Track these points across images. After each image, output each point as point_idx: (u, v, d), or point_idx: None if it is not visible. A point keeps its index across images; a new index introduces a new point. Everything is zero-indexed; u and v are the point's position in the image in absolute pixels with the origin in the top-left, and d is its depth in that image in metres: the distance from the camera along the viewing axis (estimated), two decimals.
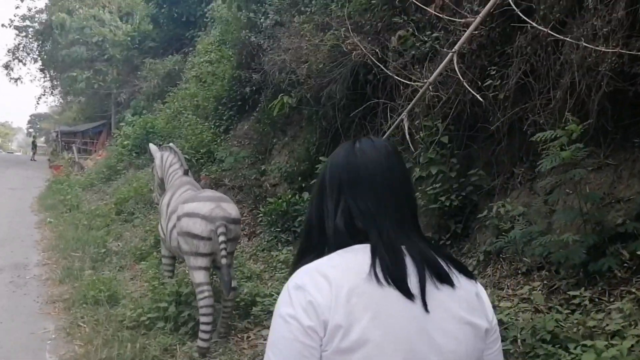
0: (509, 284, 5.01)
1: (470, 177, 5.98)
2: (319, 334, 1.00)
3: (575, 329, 3.78)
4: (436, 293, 1.06)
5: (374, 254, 1.06)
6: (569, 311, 4.04)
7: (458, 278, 1.09)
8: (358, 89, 7.54)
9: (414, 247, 1.09)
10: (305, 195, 8.24)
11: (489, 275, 5.27)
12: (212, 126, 12.44)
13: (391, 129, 5.08)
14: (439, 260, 1.09)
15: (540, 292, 4.45)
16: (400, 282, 1.04)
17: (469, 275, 1.12)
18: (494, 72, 5.22)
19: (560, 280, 4.58)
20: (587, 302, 3.96)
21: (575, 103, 4.65)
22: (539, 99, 5.08)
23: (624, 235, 4.32)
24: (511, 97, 5.31)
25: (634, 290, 4.03)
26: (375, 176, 1.13)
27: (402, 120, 5.01)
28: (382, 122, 6.82)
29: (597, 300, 4.04)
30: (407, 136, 4.98)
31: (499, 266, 5.31)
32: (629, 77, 4.17)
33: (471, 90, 4.59)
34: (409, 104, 6.10)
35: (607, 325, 3.74)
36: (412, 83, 5.33)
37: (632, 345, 3.22)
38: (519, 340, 3.96)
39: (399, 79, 5.42)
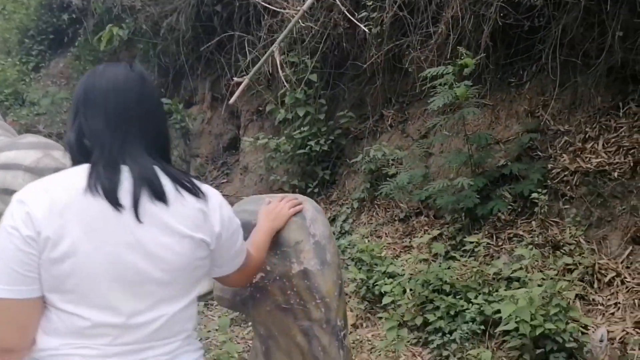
0: (387, 232, 4.72)
1: (338, 119, 5.53)
2: (37, 242, 1.08)
3: (473, 277, 3.57)
4: (152, 208, 1.14)
5: (92, 170, 1.14)
6: (464, 258, 3.84)
7: (184, 197, 1.18)
8: (205, 20, 6.58)
9: (135, 166, 1.16)
10: None
11: (364, 223, 4.95)
12: (18, 62, 10.37)
13: (261, 62, 4.35)
14: (161, 180, 1.17)
15: (422, 238, 4.21)
16: (111, 194, 1.11)
17: (197, 194, 1.21)
18: (370, 3, 4.73)
19: (442, 226, 4.39)
20: (479, 248, 3.78)
21: (459, 39, 4.37)
22: (417, 34, 4.73)
23: (506, 177, 4.23)
24: (386, 31, 4.89)
25: (520, 232, 3.96)
26: (107, 97, 1.18)
27: (272, 53, 4.33)
28: (238, 58, 6.01)
29: (485, 245, 3.88)
30: (280, 71, 4.31)
31: (374, 213, 5.00)
32: (525, 10, 3.97)
33: (352, 18, 4.06)
34: (272, 36, 5.40)
35: (502, 271, 3.59)
36: (283, 11, 4.62)
37: (540, 293, 3.06)
38: (407, 292, 3.66)
39: (266, 4, 4.67)
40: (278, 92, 5.62)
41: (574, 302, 3.25)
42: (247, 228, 1.65)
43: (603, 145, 3.86)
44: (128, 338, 1.16)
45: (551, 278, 3.21)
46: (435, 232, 4.04)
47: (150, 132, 1.22)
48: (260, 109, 6.29)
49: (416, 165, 4.62)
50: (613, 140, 3.84)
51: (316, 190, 5.55)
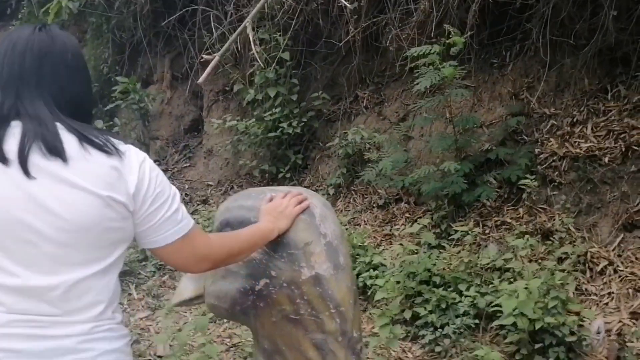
0: (366, 219, 4.52)
1: (311, 100, 5.26)
2: None
3: (463, 268, 3.41)
4: (46, 163, 1.10)
5: None
6: (451, 248, 3.67)
7: (90, 153, 1.13)
8: None
9: (29, 122, 1.13)
10: (100, 123, 6.67)
11: (341, 211, 4.72)
12: None
13: (232, 38, 4.02)
14: (62, 136, 1.13)
15: (409, 227, 4.02)
16: None
17: (109, 151, 1.15)
18: None
19: (425, 214, 4.21)
20: (467, 236, 3.62)
21: (443, 16, 4.16)
22: (396, 11, 4.49)
23: (491, 162, 4.07)
24: (364, 7, 4.63)
25: (508, 220, 3.82)
26: (5, 57, 1.17)
27: (244, 29, 4.00)
28: (202, 34, 5.62)
29: (469, 233, 3.72)
30: (254, 48, 4.01)
31: (351, 200, 4.79)
32: None
33: None
34: (240, 11, 5.05)
35: (494, 261, 3.44)
36: None
37: (539, 285, 2.92)
38: (394, 284, 3.47)
39: None
40: (246, 71, 5.29)
41: (573, 294, 3.13)
42: (246, 224, 1.43)
43: (592, 129, 3.74)
44: (27, 305, 1.10)
45: (548, 269, 3.08)
46: (425, 221, 3.84)
47: (54, 90, 1.18)
48: (227, 88, 5.93)
49: (396, 150, 4.41)
50: (602, 124, 3.72)
51: (288, 175, 5.28)
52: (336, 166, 4.99)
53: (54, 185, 1.09)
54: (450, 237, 3.78)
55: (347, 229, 4.39)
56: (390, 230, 4.28)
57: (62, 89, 1.20)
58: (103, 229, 1.13)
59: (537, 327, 2.78)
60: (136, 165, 1.18)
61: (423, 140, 4.45)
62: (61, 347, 1.10)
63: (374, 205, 4.59)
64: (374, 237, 4.26)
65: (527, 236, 3.40)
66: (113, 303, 1.20)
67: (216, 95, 6.21)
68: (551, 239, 3.51)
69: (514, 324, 2.83)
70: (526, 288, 2.88)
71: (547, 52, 3.91)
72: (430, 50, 3.70)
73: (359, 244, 3.90)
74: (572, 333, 2.86)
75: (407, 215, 4.31)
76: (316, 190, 5.04)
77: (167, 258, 1.26)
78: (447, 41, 3.65)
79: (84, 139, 1.14)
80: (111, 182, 1.13)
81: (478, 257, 3.47)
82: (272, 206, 1.44)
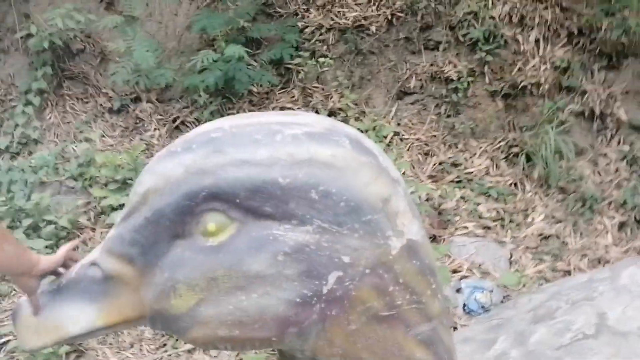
0: (102, 130, 3.47)
1: None
2: None
3: None
4: None
5: None
6: None
7: None
8: None
9: None
10: None
11: (57, 125, 3.52)
12: None
13: None
14: None
15: (158, 131, 3.21)
16: None
17: None
18: None
19: (180, 112, 3.44)
20: None
21: None
22: None
23: (252, 42, 3.50)
24: None
25: (284, 104, 3.40)
26: None
27: None
28: None
29: None
30: None
31: (68, 108, 3.60)
32: None
33: None
34: None
35: None
36: None
37: None
38: None
39: None
40: None
41: None
42: (267, 192, 0.72)
43: None
44: None
45: None
46: (191, 119, 3.10)
47: None
48: None
49: (134, 37, 3.38)
50: None
51: None
52: (29, 65, 3.63)
53: None
54: None
55: (76, 148, 3.30)
56: (140, 138, 3.39)
57: None
58: None
59: None
60: None
61: (154, 22, 3.54)
62: None
63: (105, 110, 3.55)
64: (117, 150, 3.31)
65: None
66: None
67: None
68: (335, 117, 3.28)
69: None
70: None
71: None
72: None
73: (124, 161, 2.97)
74: None
75: (158, 117, 3.46)
76: (7, 102, 3.63)
77: None
78: None
79: None
80: None
81: None
82: None
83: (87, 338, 0.89)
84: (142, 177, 0.79)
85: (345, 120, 3.21)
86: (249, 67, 3.31)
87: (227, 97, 3.38)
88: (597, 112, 3.36)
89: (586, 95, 3.38)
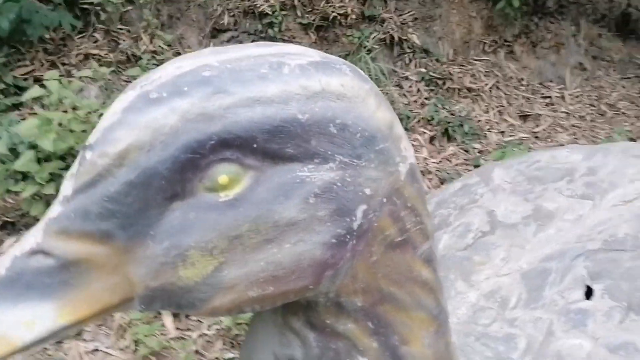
0: None
1: None
2: None
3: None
4: None
5: None
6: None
7: None
8: None
9: None
10: None
11: None
12: None
13: None
14: None
15: None
16: None
17: None
18: None
19: None
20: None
21: None
22: None
23: None
24: None
25: (91, 51, 3.00)
26: None
27: None
28: None
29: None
30: None
31: None
32: None
33: None
34: None
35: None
36: None
37: None
38: None
39: None
40: None
41: None
42: (288, 131, 0.65)
43: None
44: None
45: None
46: None
47: None
48: None
49: None
50: None
51: None
52: None
53: None
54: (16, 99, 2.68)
55: None
56: None
57: None
58: None
59: None
60: None
61: None
62: None
63: None
64: None
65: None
66: None
67: None
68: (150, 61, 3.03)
69: None
70: None
71: None
72: None
73: None
74: None
75: None
76: None
77: None
78: None
79: None
80: None
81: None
82: None
83: (52, 340, 0.74)
84: (113, 133, 0.64)
85: (160, 64, 2.98)
86: (38, 11, 2.82)
87: (15, 46, 2.86)
88: (396, 38, 3.66)
89: (385, 24, 3.65)
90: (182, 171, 0.63)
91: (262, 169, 0.65)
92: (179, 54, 3.19)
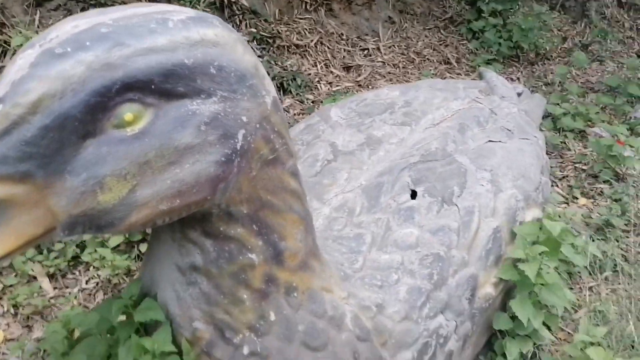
0: None
1: None
2: None
3: None
4: None
5: None
6: None
7: None
8: None
9: None
10: None
11: None
12: None
13: None
14: None
15: None
16: None
17: None
18: None
19: None
20: None
21: None
22: None
23: None
24: None
25: None
26: None
27: None
28: None
29: None
30: None
31: None
32: None
33: None
34: None
35: None
36: None
37: None
38: None
39: None
40: None
41: None
42: (177, 73, 0.82)
43: None
44: None
45: None
46: None
47: None
48: None
49: None
50: None
51: None
52: None
53: None
54: None
55: None
56: None
57: None
58: None
59: None
60: None
61: None
62: None
63: None
64: None
65: None
66: None
67: None
68: None
69: None
70: None
71: None
72: None
73: None
74: None
75: None
76: None
77: None
78: None
79: None
80: None
81: None
82: None
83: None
84: (23, 86, 0.75)
85: None
86: None
87: None
88: (226, 1, 3.76)
89: None
90: (93, 113, 0.77)
91: (160, 105, 0.81)
92: (4, 24, 2.97)
